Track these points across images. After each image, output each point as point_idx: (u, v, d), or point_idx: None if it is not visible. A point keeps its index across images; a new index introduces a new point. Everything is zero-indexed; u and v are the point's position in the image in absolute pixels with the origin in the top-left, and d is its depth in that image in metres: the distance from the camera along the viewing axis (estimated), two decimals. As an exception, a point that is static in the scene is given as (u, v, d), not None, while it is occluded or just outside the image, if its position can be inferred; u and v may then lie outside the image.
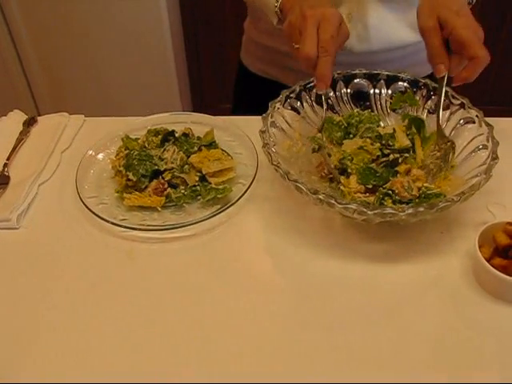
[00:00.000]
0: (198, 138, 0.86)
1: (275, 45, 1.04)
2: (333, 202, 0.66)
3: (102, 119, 0.98)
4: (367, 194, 0.75)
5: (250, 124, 0.86)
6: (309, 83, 0.85)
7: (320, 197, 0.67)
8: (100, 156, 0.87)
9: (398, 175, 0.77)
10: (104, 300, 0.69)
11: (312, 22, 0.75)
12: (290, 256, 0.73)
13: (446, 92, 0.83)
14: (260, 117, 0.79)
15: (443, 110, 0.83)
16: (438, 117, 0.82)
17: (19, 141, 0.94)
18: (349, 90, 0.89)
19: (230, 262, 0.72)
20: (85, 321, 0.66)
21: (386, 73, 0.88)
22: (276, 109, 0.81)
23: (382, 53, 0.99)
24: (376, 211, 0.66)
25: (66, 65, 2.16)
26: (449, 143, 0.79)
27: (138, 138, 0.87)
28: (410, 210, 0.65)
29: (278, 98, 0.82)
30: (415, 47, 1.00)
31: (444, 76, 0.78)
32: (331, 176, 0.79)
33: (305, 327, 0.65)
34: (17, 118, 1.00)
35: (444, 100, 0.84)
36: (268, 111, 0.79)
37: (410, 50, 1.01)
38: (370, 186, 0.75)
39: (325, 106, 0.83)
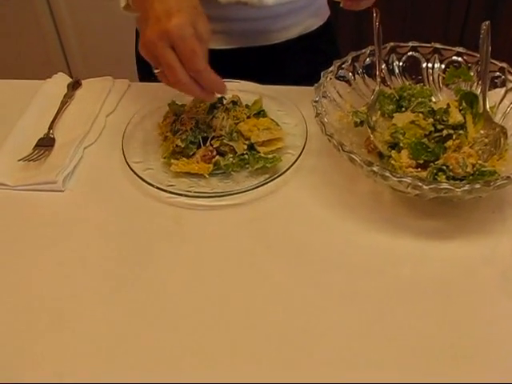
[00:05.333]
0: (247, 106, 0.85)
1: None
2: (387, 174, 0.65)
3: (147, 84, 0.97)
4: (419, 169, 0.73)
5: (299, 93, 0.85)
6: (360, 54, 0.84)
7: (374, 169, 0.66)
8: (146, 121, 0.86)
9: (448, 151, 0.75)
10: (150, 264, 0.68)
11: (163, 46, 0.66)
12: (337, 229, 0.72)
13: (503, 68, 0.81)
14: (309, 87, 0.78)
15: (499, 86, 0.81)
16: (485, 101, 0.79)
17: (64, 103, 0.94)
18: (401, 63, 0.86)
19: (276, 233, 0.72)
20: (130, 285, 0.66)
21: (440, 46, 0.86)
22: (328, 79, 0.79)
23: (275, 6, 0.97)
24: (431, 186, 0.64)
25: (102, 31, 2.15)
26: (498, 129, 0.76)
27: (185, 105, 0.86)
28: (467, 187, 0.64)
29: (331, 68, 0.80)
30: (305, 1, 1.02)
31: None
32: (379, 150, 0.77)
33: (352, 300, 0.64)
34: (61, 80, 1.00)
35: (499, 76, 0.81)
36: (320, 81, 0.78)
37: (300, 3, 1.01)
38: (421, 162, 0.74)
39: (378, 82, 0.81)
